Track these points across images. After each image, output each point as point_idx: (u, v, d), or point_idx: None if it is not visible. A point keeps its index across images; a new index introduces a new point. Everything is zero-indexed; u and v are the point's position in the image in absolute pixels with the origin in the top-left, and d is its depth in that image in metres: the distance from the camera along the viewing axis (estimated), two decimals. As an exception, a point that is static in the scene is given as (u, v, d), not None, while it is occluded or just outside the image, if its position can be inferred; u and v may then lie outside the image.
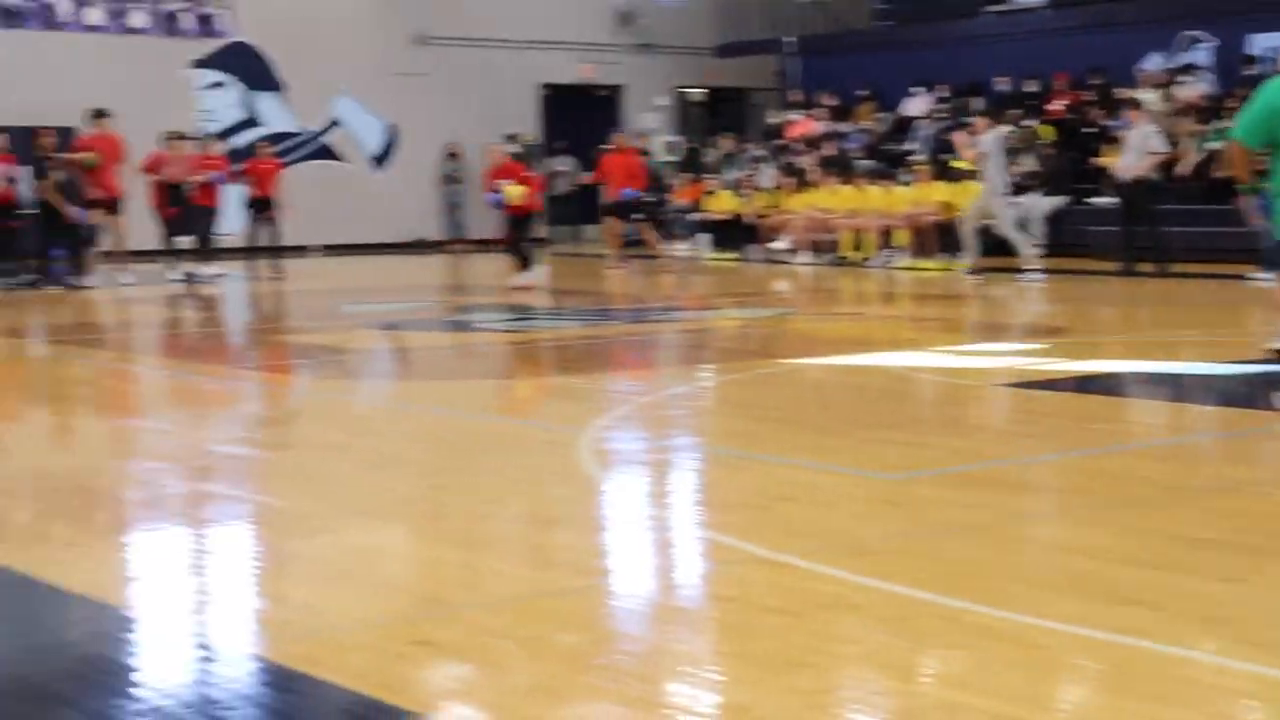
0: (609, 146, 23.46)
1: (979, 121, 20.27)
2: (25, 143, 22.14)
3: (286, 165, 28.04)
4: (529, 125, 30.10)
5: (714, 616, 5.15)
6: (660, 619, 5.13)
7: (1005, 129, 20.75)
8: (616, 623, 5.13)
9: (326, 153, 28.58)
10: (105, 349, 14.18)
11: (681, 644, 4.83)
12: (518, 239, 19.93)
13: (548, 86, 30.75)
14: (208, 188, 21.49)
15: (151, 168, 21.49)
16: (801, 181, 24.66)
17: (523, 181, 19.77)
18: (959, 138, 21.95)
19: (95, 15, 26.44)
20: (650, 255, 23.39)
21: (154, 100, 26.03)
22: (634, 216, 23.24)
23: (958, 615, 4.92)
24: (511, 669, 4.52)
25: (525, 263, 19.72)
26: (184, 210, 21.18)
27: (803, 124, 27.51)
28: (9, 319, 16.98)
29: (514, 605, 5.20)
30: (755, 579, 5.49)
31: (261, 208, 22.47)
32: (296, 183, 27.97)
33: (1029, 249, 19.68)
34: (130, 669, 4.69)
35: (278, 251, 22.29)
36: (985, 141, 19.48)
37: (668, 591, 5.52)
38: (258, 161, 22.55)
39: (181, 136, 21.73)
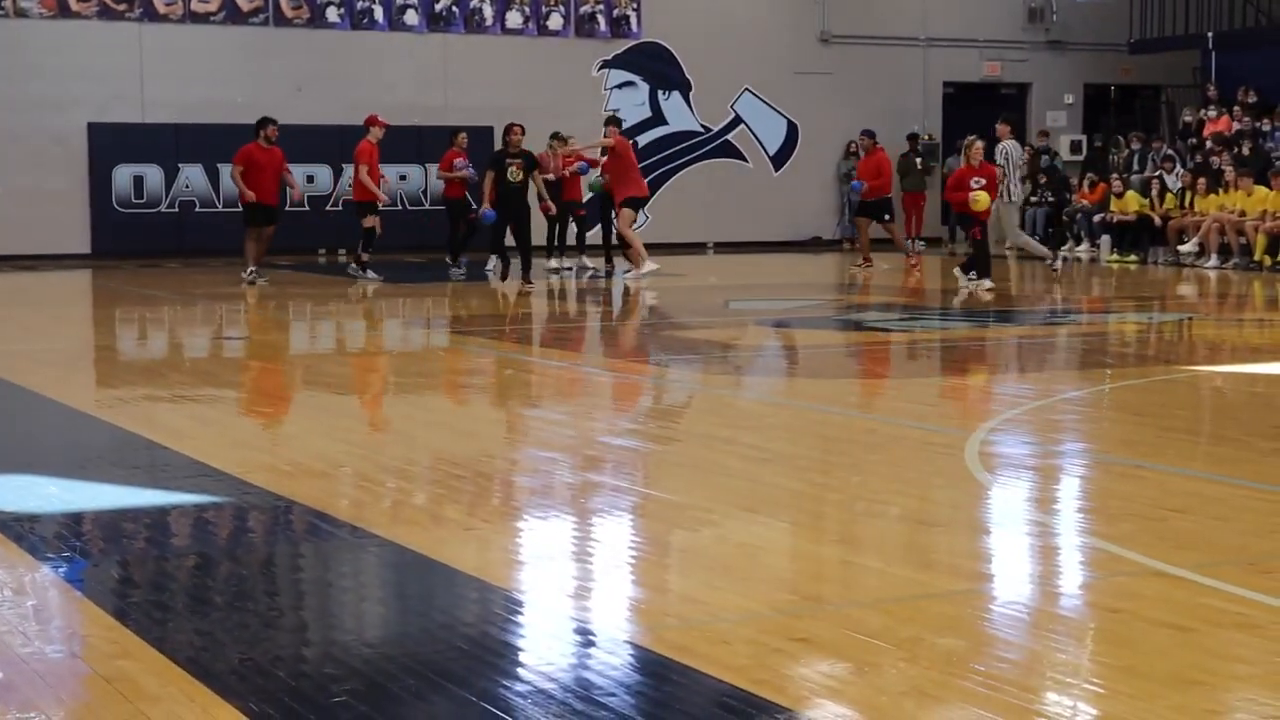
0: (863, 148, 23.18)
1: None
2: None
3: (689, 163, 28.53)
4: (930, 124, 29.80)
5: (1099, 627, 5.02)
6: (1042, 627, 5.02)
7: None
8: (996, 628, 5.04)
9: (728, 151, 28.86)
10: (502, 340, 14.63)
11: (1064, 654, 4.72)
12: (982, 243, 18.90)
13: (950, 85, 30.39)
14: (573, 181, 22.09)
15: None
16: (1214, 182, 23.76)
17: (989, 187, 18.76)
18: None
19: (515, 19, 27.34)
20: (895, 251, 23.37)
21: (567, 100, 26.79)
22: (886, 217, 22.95)
23: (1362, 640, 4.68)
24: (887, 670, 4.49)
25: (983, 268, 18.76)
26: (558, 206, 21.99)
27: (1219, 122, 26.50)
28: (423, 310, 17.70)
29: (892, 606, 5.17)
30: (1145, 591, 5.32)
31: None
32: (697, 181, 28.40)
33: None
34: (516, 651, 4.84)
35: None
36: None
37: (1051, 599, 5.40)
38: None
39: (557, 136, 22.40)
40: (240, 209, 20.73)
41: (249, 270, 19.87)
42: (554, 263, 22.01)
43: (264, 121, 20.03)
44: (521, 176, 18.99)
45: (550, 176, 21.48)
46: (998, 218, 19.45)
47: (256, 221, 20.00)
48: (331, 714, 4.18)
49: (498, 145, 21.62)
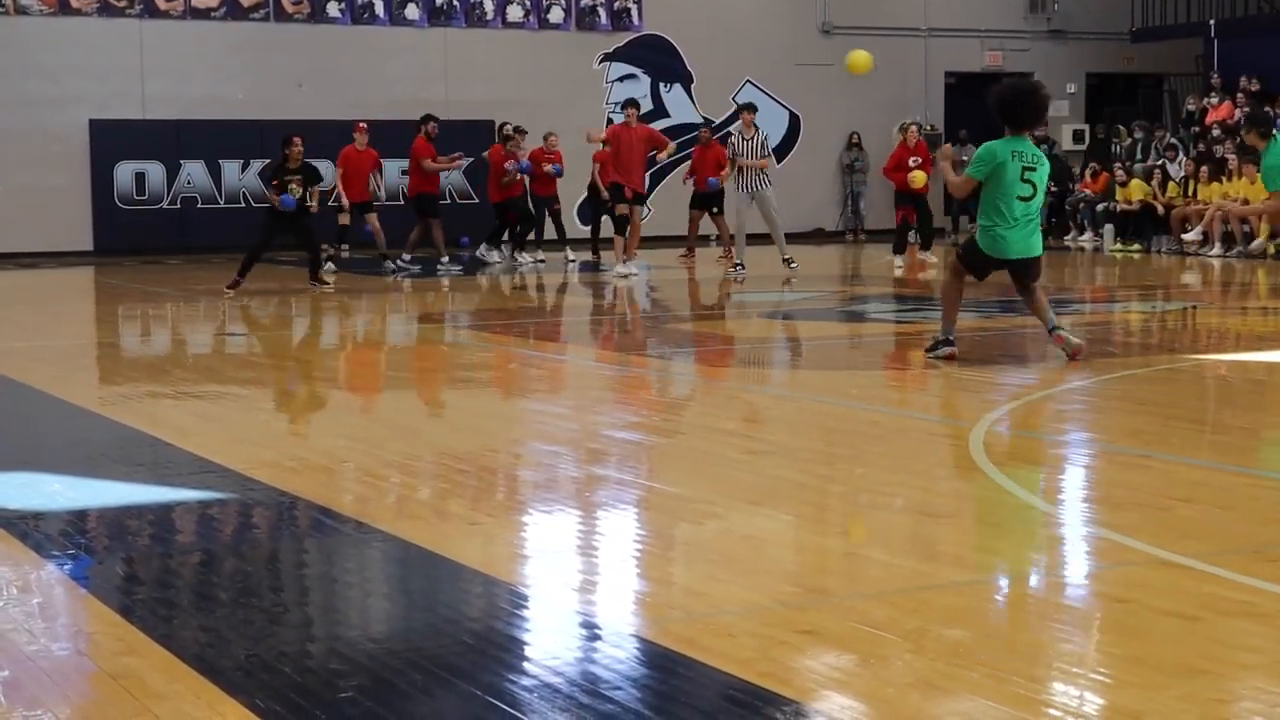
0: (700, 140, 23.14)
1: None
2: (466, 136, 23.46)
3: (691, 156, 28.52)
4: (932, 114, 29.79)
5: (1105, 617, 5.01)
6: (1048, 617, 5.01)
7: None
8: (1002, 619, 5.04)
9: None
10: (503, 334, 14.62)
11: (1070, 644, 4.71)
12: (923, 220, 21.60)
13: (952, 75, 30.37)
14: (546, 179, 22.28)
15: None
16: (1217, 170, 23.73)
17: (924, 166, 20.80)
18: None
19: (516, 13, 27.33)
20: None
21: (568, 94, 26.79)
22: (716, 210, 22.91)
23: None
24: (893, 661, 4.49)
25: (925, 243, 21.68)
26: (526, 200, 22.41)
27: (1221, 109, 26.47)
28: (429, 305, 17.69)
29: (897, 597, 5.16)
30: (1151, 581, 5.32)
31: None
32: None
33: None
34: (521, 645, 4.83)
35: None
36: None
37: (1057, 589, 5.39)
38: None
39: (520, 131, 22.55)
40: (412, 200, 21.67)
41: (403, 259, 20.95)
42: (525, 256, 22.34)
43: (427, 118, 21.27)
44: (300, 192, 17.99)
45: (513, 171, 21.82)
46: (736, 207, 19.96)
47: (435, 212, 21.25)
48: (338, 710, 4.18)
49: (510, 143, 21.82)
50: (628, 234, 20.39)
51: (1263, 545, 5.80)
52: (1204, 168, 23.87)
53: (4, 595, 5.38)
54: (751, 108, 20.40)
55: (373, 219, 21.10)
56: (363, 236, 21.65)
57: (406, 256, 21.25)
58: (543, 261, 22.27)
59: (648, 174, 23.78)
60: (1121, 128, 27.75)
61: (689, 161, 24.05)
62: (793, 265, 19.91)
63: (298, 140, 18.16)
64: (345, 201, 21.05)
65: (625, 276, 19.93)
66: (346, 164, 21.00)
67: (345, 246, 22.40)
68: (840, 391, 10.26)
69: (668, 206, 26.10)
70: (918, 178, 20.59)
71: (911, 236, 22.22)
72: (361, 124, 21.31)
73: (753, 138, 19.62)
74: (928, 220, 21.75)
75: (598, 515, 6.64)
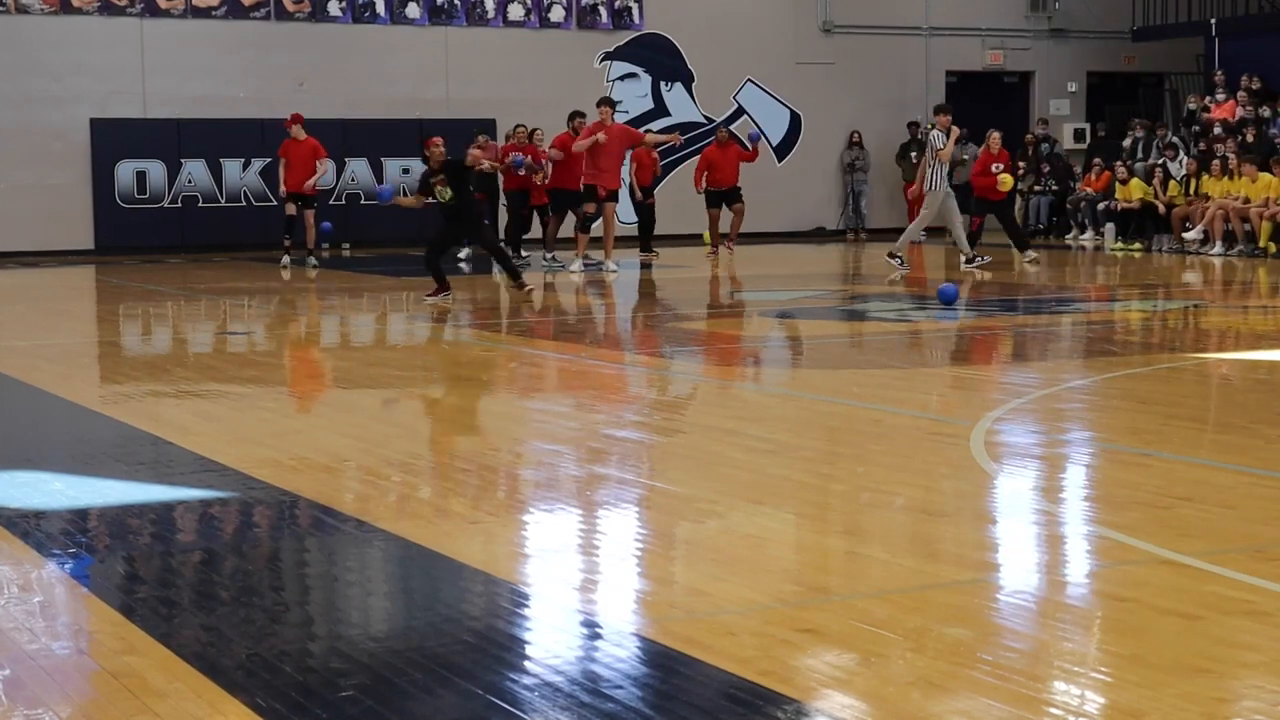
0: (718, 140, 23.67)
1: None
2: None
3: (692, 155, 28.55)
4: (933, 113, 29.77)
5: (1106, 616, 5.01)
6: (1049, 616, 5.01)
7: None
8: (1003, 618, 5.04)
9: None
10: (504, 333, 14.62)
11: (1071, 643, 4.71)
12: (1009, 226, 21.79)
13: (953, 74, 30.36)
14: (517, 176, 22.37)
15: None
16: (1219, 168, 23.72)
17: (1008, 169, 21.42)
18: None
19: (517, 11, 27.31)
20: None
21: (569, 93, 26.76)
22: (738, 203, 23.52)
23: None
24: (894, 660, 4.49)
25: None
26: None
27: (1223, 108, 26.45)
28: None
29: (899, 596, 5.16)
30: (1151, 580, 5.32)
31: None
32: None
33: None
34: (522, 643, 4.83)
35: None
36: None
37: (1058, 589, 5.39)
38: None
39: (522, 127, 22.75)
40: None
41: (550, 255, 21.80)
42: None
43: (574, 115, 21.52)
44: (450, 194, 16.38)
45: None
46: (937, 208, 20.16)
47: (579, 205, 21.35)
48: (338, 708, 4.18)
49: (503, 140, 21.78)
50: (604, 231, 20.68)
51: (1264, 544, 5.80)
52: (1213, 163, 23.82)
53: (5, 594, 5.38)
54: (947, 109, 20.62)
55: (309, 215, 21.51)
56: (321, 230, 21.89)
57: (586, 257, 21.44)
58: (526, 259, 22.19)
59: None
60: (1134, 125, 27.72)
61: (697, 157, 24.23)
62: (979, 259, 20.24)
63: (437, 141, 16.57)
64: (283, 190, 21.54)
65: (613, 272, 20.25)
66: (288, 154, 21.50)
67: (346, 245, 22.45)
68: (842, 390, 10.25)
69: (670, 204, 26.07)
70: (1006, 180, 20.98)
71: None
72: (298, 114, 21.76)
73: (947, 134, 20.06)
74: (1014, 224, 21.85)
75: (599, 514, 6.64)
